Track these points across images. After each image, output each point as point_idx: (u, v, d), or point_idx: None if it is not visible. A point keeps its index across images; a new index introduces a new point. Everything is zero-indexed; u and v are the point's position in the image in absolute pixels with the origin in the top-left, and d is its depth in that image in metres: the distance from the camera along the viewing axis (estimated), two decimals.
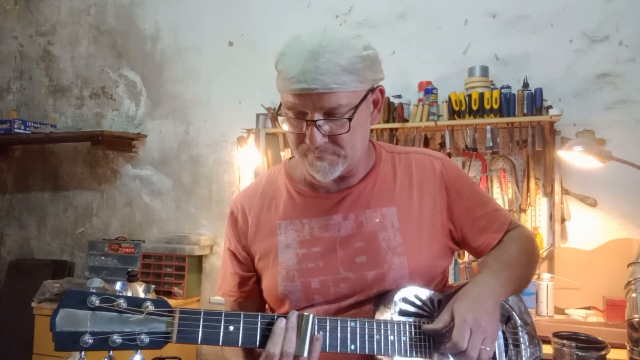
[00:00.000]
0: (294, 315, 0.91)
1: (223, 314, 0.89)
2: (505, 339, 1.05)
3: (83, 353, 0.82)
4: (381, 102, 1.06)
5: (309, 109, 0.95)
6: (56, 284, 2.88)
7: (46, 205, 3.58)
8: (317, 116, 0.94)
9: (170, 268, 2.93)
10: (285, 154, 2.82)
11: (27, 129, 3.32)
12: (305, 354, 0.89)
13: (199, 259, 3.07)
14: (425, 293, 1.03)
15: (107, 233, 3.37)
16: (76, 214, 3.50)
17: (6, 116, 3.55)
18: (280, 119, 1.03)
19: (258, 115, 2.90)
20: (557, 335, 1.51)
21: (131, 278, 2.55)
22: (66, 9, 3.61)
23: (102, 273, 3.10)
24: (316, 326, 0.92)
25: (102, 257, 3.11)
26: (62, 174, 3.55)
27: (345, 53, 0.93)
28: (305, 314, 0.91)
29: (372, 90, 1.02)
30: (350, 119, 0.95)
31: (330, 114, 0.95)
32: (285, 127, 1.02)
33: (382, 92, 1.06)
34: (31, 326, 2.82)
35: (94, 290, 0.84)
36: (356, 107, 0.96)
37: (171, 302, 3.30)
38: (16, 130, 3.26)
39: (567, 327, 1.77)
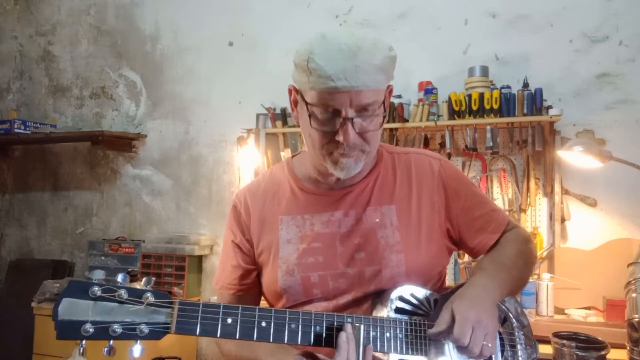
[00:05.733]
0: (349, 327, 0.92)
1: (221, 307, 0.90)
2: (501, 339, 1.06)
3: (84, 342, 0.83)
4: (388, 100, 1.09)
5: (344, 107, 0.97)
6: (56, 284, 2.89)
7: (46, 205, 3.58)
8: (352, 113, 0.97)
9: (170, 268, 2.93)
10: (285, 154, 2.81)
11: (27, 129, 3.32)
12: None
13: (199, 259, 3.07)
14: (422, 292, 1.04)
15: (107, 233, 3.37)
16: (76, 214, 3.50)
17: (6, 116, 3.55)
18: (294, 115, 1.04)
19: (258, 115, 2.90)
20: (557, 335, 1.52)
21: (131, 278, 2.55)
22: (66, 9, 3.61)
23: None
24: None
25: (102, 257, 3.11)
26: (62, 174, 3.55)
27: (377, 54, 0.97)
28: (356, 324, 0.92)
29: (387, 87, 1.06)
30: (384, 116, 1.01)
31: (362, 111, 0.98)
32: (302, 123, 1.04)
33: (391, 91, 1.09)
34: (31, 326, 2.82)
35: (96, 281, 0.85)
36: (383, 104, 1.01)
37: None
38: (16, 130, 3.26)
39: (567, 327, 1.78)
